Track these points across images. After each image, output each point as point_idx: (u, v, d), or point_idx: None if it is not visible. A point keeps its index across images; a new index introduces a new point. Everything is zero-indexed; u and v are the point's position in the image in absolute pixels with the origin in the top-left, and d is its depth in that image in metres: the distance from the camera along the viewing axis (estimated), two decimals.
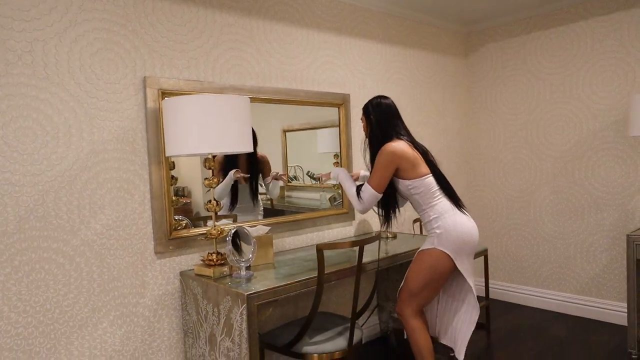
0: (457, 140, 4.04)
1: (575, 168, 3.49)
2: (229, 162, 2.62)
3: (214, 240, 2.19)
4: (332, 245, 2.00)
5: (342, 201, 3.08)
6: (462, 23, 3.89)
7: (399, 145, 2.21)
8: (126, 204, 2.18)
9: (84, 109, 2.04)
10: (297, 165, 2.98)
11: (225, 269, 2.16)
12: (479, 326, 3.38)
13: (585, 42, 3.39)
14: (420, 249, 2.29)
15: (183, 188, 2.56)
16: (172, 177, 2.35)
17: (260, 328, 2.57)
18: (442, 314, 2.42)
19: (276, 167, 2.83)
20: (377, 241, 2.21)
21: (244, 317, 1.86)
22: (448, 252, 2.17)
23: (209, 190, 2.22)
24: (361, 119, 2.39)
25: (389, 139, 2.25)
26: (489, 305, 3.34)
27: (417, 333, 2.26)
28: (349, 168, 3.11)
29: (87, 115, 2.05)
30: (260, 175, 2.77)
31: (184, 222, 2.41)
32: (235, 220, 2.62)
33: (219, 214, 2.25)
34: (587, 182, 3.44)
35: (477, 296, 2.39)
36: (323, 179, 2.86)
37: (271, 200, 2.86)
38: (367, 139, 2.36)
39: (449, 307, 2.40)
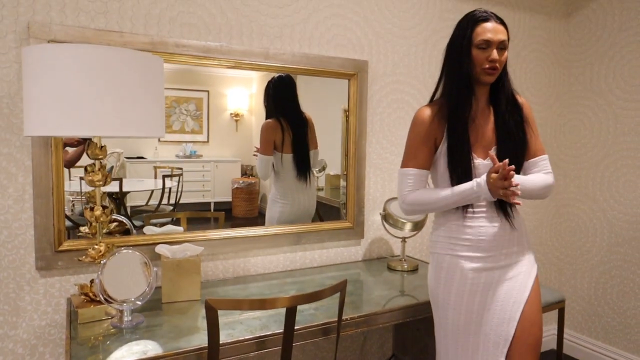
0: (545, 135, 2.87)
1: None
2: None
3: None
4: (228, 303, 1.17)
5: (346, 209, 2.20)
6: None
7: None
8: None
9: None
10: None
11: (110, 308, 1.46)
12: None
13: None
14: (528, 278, 1.51)
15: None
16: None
17: None
18: None
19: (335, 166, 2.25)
20: (340, 292, 1.33)
21: None
22: None
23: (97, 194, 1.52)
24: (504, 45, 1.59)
25: None
26: None
27: None
28: (359, 174, 2.21)
29: None
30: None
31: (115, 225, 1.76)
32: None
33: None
34: None
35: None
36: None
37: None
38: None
39: None
